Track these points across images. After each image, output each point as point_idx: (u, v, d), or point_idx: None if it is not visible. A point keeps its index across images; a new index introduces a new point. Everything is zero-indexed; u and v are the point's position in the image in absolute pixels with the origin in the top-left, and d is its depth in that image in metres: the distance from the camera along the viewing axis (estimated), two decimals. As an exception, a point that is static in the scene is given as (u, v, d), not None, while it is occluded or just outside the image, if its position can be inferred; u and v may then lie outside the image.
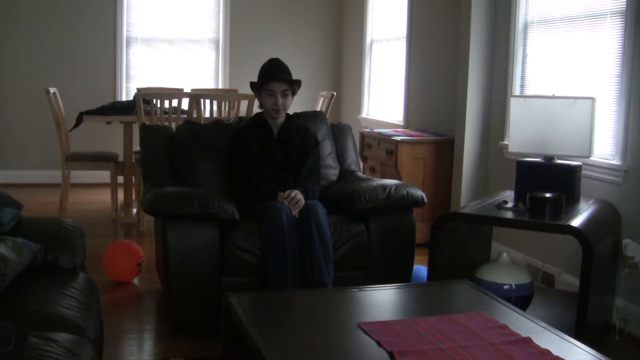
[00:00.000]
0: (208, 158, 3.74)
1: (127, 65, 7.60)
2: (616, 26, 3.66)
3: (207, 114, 5.54)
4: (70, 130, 5.81)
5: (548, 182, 3.47)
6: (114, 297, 3.95)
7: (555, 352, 2.06)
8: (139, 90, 6.41)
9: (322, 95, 6.42)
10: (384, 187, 3.57)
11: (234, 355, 2.54)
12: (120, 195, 5.87)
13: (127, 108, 5.70)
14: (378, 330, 2.19)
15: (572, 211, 3.30)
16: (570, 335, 2.28)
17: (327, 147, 3.98)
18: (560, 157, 3.61)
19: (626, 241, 3.47)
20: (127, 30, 7.56)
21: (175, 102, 5.62)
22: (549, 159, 3.59)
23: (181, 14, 7.68)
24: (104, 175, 6.26)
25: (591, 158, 3.63)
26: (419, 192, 3.63)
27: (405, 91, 6.24)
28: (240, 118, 4.08)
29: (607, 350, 3.16)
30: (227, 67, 7.80)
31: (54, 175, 6.56)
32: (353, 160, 4.15)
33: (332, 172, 3.96)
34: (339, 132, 4.15)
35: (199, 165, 3.73)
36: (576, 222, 3.08)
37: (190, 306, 3.32)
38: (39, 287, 2.38)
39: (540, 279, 4.13)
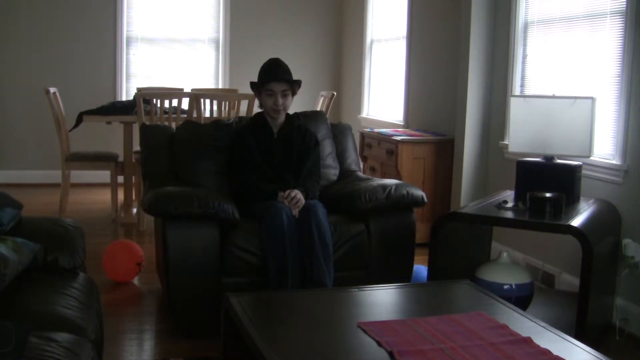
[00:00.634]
0: (208, 158, 3.74)
1: (127, 65, 7.60)
2: (616, 26, 3.66)
3: (207, 114, 5.54)
4: (70, 130, 5.81)
5: (548, 182, 3.47)
6: (114, 297, 3.95)
7: (555, 352, 2.06)
8: (139, 90, 6.41)
9: (322, 95, 6.42)
10: (384, 187, 3.57)
11: (234, 355, 2.54)
12: (120, 195, 5.87)
13: (127, 108, 5.70)
14: (378, 330, 2.19)
15: (572, 211, 3.30)
16: (570, 335, 2.28)
17: (327, 147, 3.98)
18: (560, 157, 3.61)
19: (626, 241, 3.47)
20: (127, 30, 7.56)
21: (175, 102, 5.61)
22: (549, 159, 3.60)
23: (181, 14, 7.68)
24: (104, 175, 6.26)
25: (591, 158, 3.63)
26: (419, 192, 3.63)
27: (405, 91, 6.24)
28: (240, 118, 4.07)
29: (607, 350, 3.16)
30: (227, 67, 7.80)
31: (54, 175, 6.56)
32: (353, 160, 4.15)
33: (332, 172, 3.96)
34: (339, 132, 4.15)
35: (199, 165, 3.73)
36: (576, 222, 3.08)
37: (190, 306, 3.32)
38: (39, 287, 2.38)
39: (540, 279, 4.13)
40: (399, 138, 5.06)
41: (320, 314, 2.46)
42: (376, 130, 5.64)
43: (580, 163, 3.61)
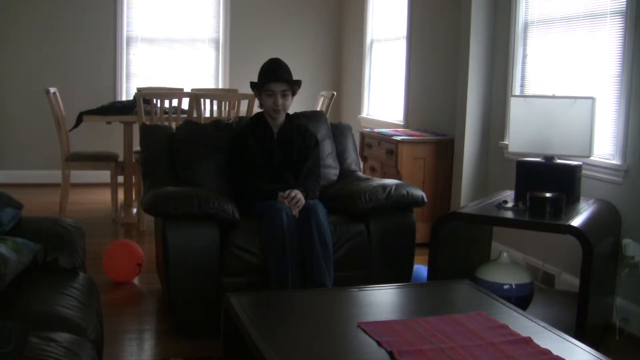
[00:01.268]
0: (208, 158, 3.74)
1: (127, 65, 7.60)
2: (616, 26, 3.66)
3: (207, 114, 5.54)
4: (70, 130, 5.81)
5: (548, 182, 3.47)
6: (114, 297, 3.95)
7: (555, 352, 2.06)
8: (139, 90, 6.41)
9: (322, 95, 6.42)
10: (384, 187, 3.57)
11: (234, 355, 2.54)
12: (120, 195, 5.87)
13: (127, 108, 5.70)
14: (378, 330, 2.19)
15: (572, 211, 3.30)
16: (570, 335, 2.28)
17: (327, 147, 3.98)
18: (561, 157, 3.61)
19: (626, 241, 3.47)
20: (127, 30, 7.56)
21: (175, 102, 5.61)
22: (549, 159, 3.60)
23: (181, 14, 7.68)
24: (104, 175, 6.25)
25: (591, 158, 3.63)
26: (419, 192, 3.63)
27: (405, 91, 6.24)
28: (240, 118, 4.08)
29: (607, 350, 3.16)
30: (227, 67, 7.80)
31: (54, 175, 6.56)
32: (353, 160, 4.15)
33: (332, 172, 3.96)
34: (339, 132, 4.15)
35: (199, 165, 3.73)
36: (576, 222, 3.08)
37: (190, 306, 3.32)
38: (39, 287, 2.38)
39: (540, 279, 4.13)
40: (399, 138, 5.06)
41: (320, 314, 2.46)
42: (376, 130, 5.64)
43: (580, 163, 3.61)
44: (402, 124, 6.26)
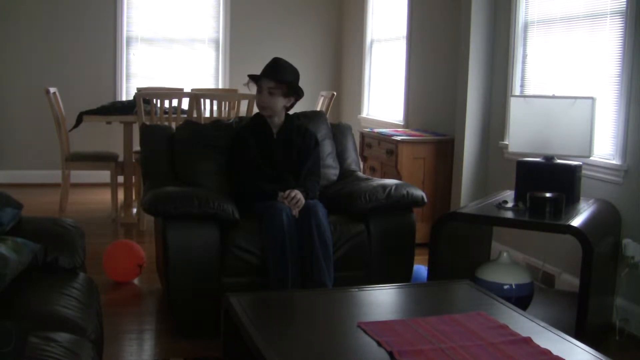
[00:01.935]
0: (208, 158, 3.74)
1: (127, 65, 7.60)
2: (616, 26, 3.66)
3: (207, 114, 5.54)
4: (70, 130, 5.81)
5: (548, 182, 3.47)
6: (114, 297, 3.95)
7: (555, 352, 2.06)
8: (139, 90, 6.41)
9: (322, 95, 6.42)
10: (384, 187, 3.57)
11: (234, 355, 2.54)
12: (120, 195, 5.87)
13: (127, 108, 5.70)
14: (378, 330, 2.19)
15: (572, 211, 3.30)
16: (570, 335, 2.28)
17: (327, 147, 3.98)
18: (560, 157, 3.61)
19: (626, 241, 3.47)
20: (127, 30, 7.56)
21: (175, 102, 5.61)
22: (549, 159, 3.60)
23: (181, 14, 7.68)
24: (104, 175, 6.25)
25: (591, 158, 3.63)
26: (419, 192, 3.63)
27: (405, 91, 6.24)
28: (240, 118, 4.08)
29: (607, 350, 3.16)
30: (227, 67, 7.80)
31: (54, 175, 6.56)
32: (353, 160, 4.15)
33: (332, 172, 3.95)
34: (339, 132, 4.15)
35: (199, 165, 3.73)
36: (576, 222, 3.08)
37: (190, 306, 3.32)
38: (39, 287, 2.38)
39: (540, 279, 4.13)
40: (398, 138, 5.06)
41: (320, 314, 2.46)
42: (376, 130, 5.64)
43: (580, 163, 3.61)
44: (402, 124, 6.26)
